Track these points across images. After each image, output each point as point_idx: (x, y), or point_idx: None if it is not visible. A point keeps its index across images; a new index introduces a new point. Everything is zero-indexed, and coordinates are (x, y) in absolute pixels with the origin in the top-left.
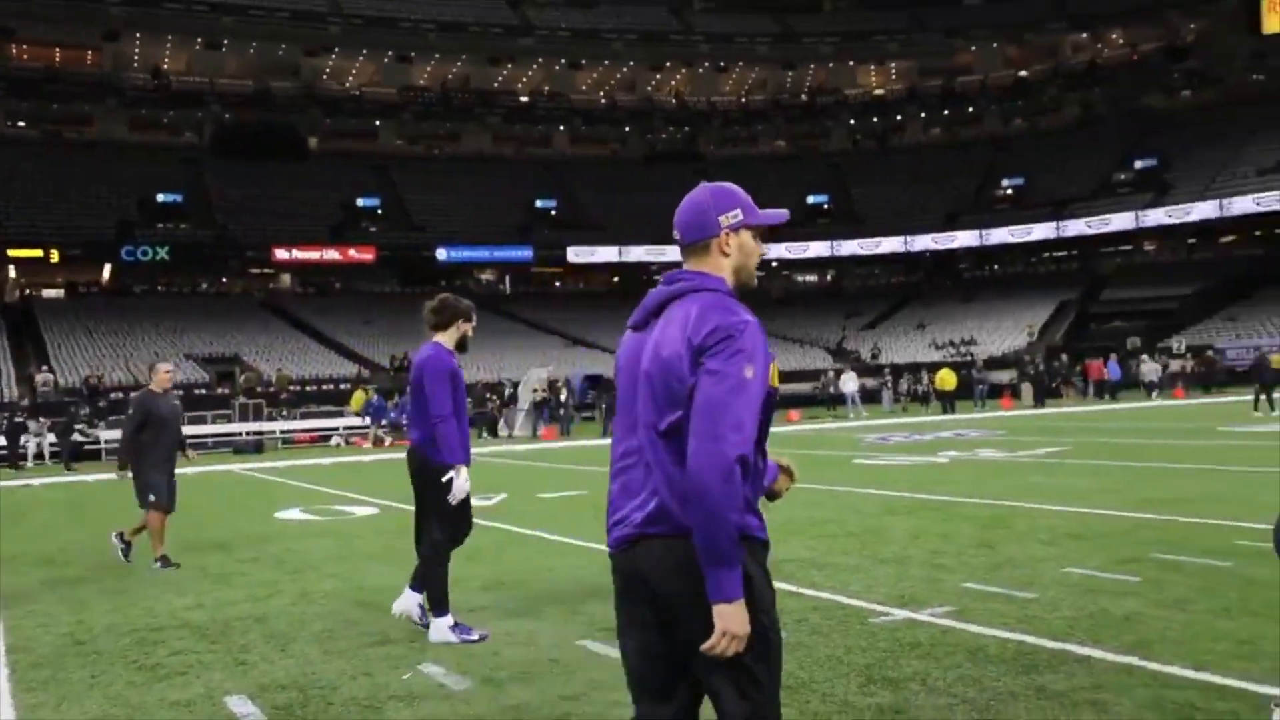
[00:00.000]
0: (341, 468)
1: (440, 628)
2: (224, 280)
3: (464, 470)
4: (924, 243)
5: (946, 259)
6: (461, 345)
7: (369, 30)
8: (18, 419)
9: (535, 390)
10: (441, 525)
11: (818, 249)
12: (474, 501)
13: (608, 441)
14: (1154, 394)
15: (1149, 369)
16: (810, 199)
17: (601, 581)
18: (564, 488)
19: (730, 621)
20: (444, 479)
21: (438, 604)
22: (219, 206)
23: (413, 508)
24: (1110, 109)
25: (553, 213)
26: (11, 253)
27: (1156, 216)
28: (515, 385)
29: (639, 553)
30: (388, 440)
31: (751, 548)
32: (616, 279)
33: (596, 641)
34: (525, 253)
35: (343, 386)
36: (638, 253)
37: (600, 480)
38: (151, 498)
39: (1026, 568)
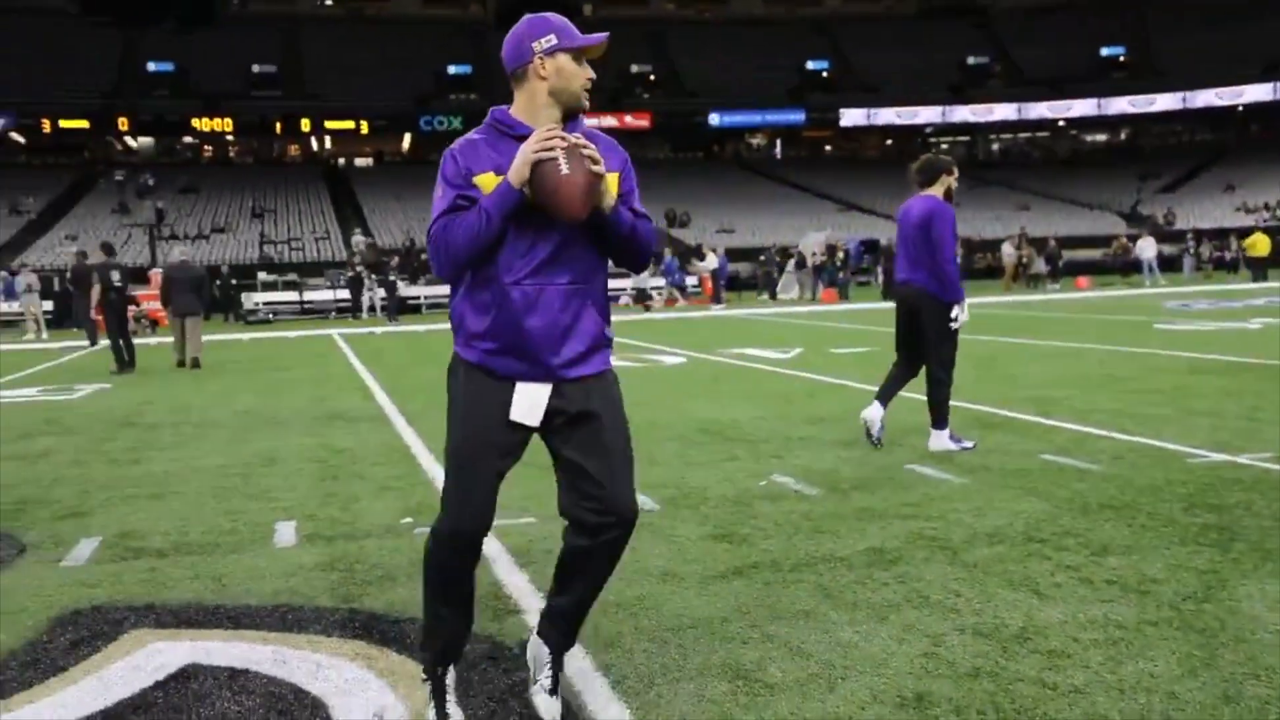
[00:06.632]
0: (636, 323)
1: (941, 439)
2: None
3: (965, 304)
4: (1257, 93)
5: (1265, 114)
6: (948, 196)
7: None
8: (352, 274)
9: (813, 254)
10: (943, 353)
11: (1115, 105)
12: (771, 354)
13: (888, 305)
14: None
15: None
16: (1104, 51)
17: (915, 421)
18: (853, 344)
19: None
20: (952, 314)
21: (941, 420)
22: (500, 77)
23: (708, 356)
24: None
25: (824, 74)
26: (328, 124)
27: None
28: (781, 250)
29: None
30: (680, 299)
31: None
32: (890, 141)
33: (925, 468)
34: (797, 116)
35: None
36: (925, 114)
37: (886, 339)
38: None
39: None
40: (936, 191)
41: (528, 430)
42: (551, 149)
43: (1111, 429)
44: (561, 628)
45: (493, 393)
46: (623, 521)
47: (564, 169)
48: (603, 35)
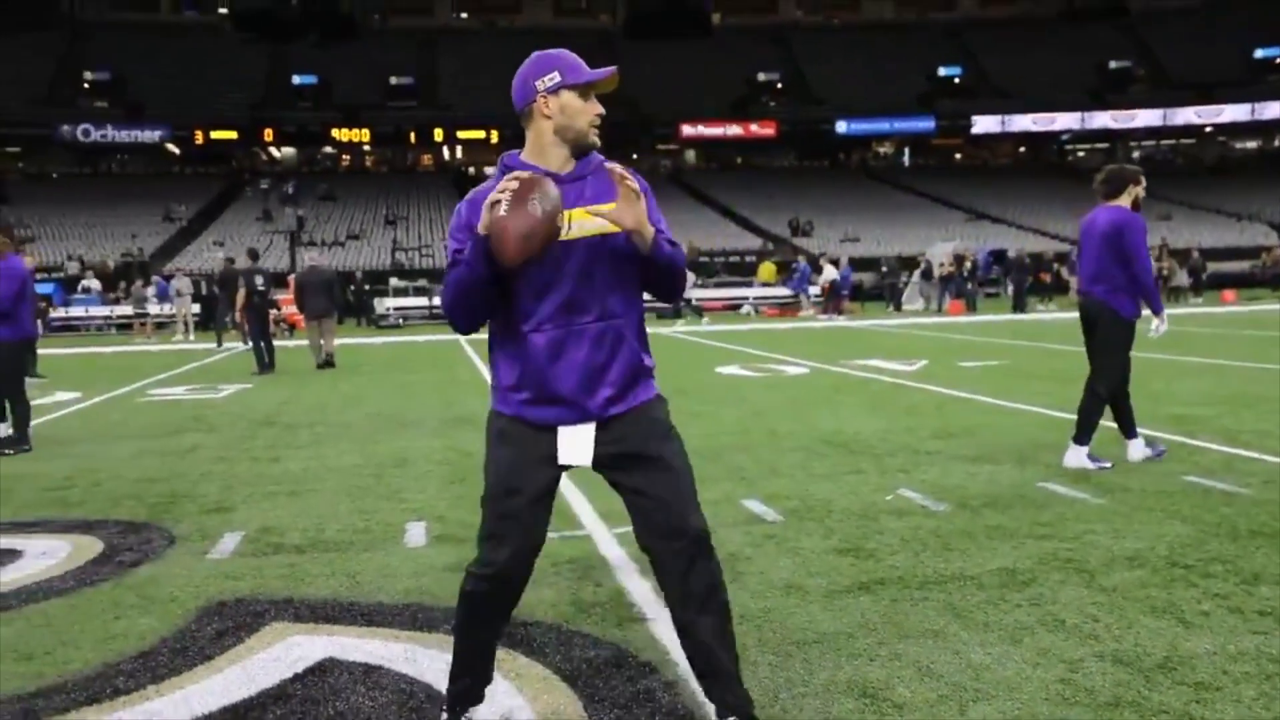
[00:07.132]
0: (760, 333)
1: (1078, 455)
2: (634, 156)
3: (1166, 314)
4: None
5: None
6: (1136, 206)
7: None
8: None
9: (941, 264)
10: (1109, 370)
11: (1270, 109)
12: (896, 366)
13: (1017, 317)
14: None
15: None
16: (1259, 53)
17: (1048, 438)
18: (982, 358)
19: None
20: (1153, 325)
21: (1084, 435)
22: (630, 85)
23: (830, 366)
24: None
25: (956, 80)
26: (460, 134)
27: None
28: (899, 260)
29: None
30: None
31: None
32: (1023, 149)
33: (1059, 486)
34: (927, 124)
35: (748, 259)
36: (1062, 120)
37: (1016, 352)
38: None
39: None
40: (1123, 202)
41: (561, 470)
42: (503, 192)
43: (1262, 451)
44: (712, 670)
45: (530, 440)
46: (694, 541)
47: (502, 211)
48: (610, 70)
